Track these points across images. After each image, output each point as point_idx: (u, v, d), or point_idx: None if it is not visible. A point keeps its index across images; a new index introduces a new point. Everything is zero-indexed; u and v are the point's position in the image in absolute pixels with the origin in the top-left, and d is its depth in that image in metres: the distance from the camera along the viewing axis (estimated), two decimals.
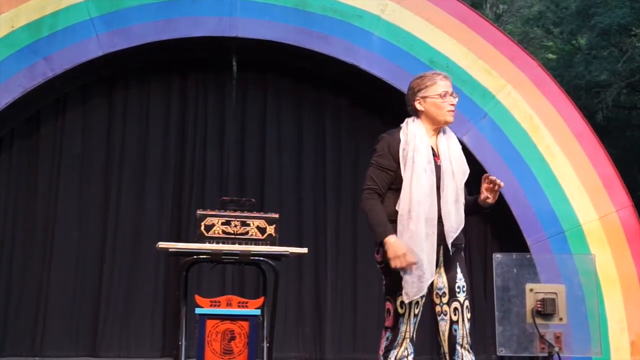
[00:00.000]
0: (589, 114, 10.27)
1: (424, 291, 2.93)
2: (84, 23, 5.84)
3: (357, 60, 6.05)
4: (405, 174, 2.99)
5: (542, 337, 3.23)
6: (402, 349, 2.97)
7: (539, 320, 3.24)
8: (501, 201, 5.90)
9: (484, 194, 3.08)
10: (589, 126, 6.14)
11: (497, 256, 3.47)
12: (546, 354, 3.24)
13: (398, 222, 2.96)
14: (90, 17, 5.84)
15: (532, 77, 6.10)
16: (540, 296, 3.28)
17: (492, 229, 6.54)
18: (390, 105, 6.27)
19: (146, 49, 6.00)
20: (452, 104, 3.10)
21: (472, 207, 3.16)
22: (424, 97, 3.11)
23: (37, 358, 5.90)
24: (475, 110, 6.03)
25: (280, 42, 6.05)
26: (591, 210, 5.90)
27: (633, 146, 12.98)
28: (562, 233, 5.86)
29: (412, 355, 2.98)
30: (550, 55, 14.81)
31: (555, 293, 3.28)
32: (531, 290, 3.31)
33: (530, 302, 3.29)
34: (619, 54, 11.75)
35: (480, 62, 6.09)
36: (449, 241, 2.98)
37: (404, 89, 3.30)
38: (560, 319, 3.25)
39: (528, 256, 3.53)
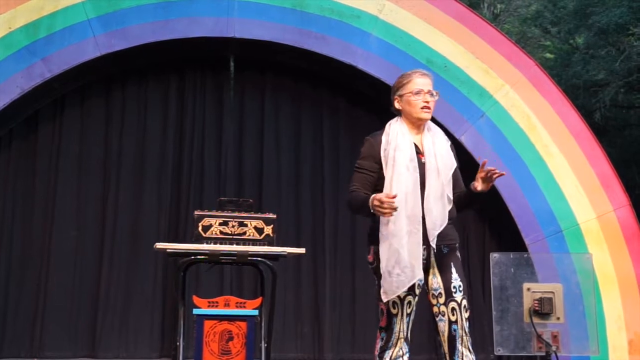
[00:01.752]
0: (586, 113, 10.29)
1: (404, 289, 2.91)
2: (81, 24, 5.83)
3: (354, 61, 6.05)
4: (386, 173, 2.99)
5: (539, 337, 3.24)
6: (397, 348, 2.97)
7: (536, 320, 3.25)
8: (499, 200, 5.93)
9: (478, 181, 2.98)
10: (587, 125, 6.15)
11: (495, 255, 3.47)
12: (544, 353, 3.25)
13: (380, 221, 2.96)
14: (87, 18, 5.84)
15: (530, 77, 6.11)
16: (538, 295, 3.28)
17: (490, 229, 6.54)
18: (388, 105, 6.27)
19: (144, 50, 6.00)
20: (425, 101, 3.05)
21: (466, 199, 3.08)
22: (400, 96, 3.12)
23: (35, 359, 5.90)
24: (473, 109, 6.03)
25: (277, 42, 6.05)
26: (589, 209, 5.90)
27: (631, 145, 12.99)
28: (559, 232, 5.86)
29: (407, 355, 2.99)
30: (548, 55, 14.82)
31: (553, 292, 3.29)
32: (528, 289, 3.31)
33: (527, 301, 3.29)
34: (617, 53, 11.76)
35: (478, 62, 6.09)
36: (431, 238, 2.95)
37: None
38: (558, 318, 3.26)
39: (525, 255, 3.53)
